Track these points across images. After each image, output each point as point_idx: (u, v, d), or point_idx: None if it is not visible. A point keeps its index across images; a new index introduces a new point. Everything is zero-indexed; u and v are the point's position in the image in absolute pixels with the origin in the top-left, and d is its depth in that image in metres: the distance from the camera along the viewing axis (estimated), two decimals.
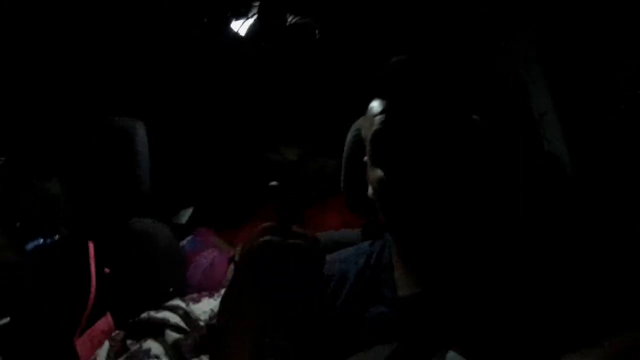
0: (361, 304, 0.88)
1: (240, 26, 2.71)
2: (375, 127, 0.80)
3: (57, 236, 1.35)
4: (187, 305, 1.36)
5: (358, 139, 1.21)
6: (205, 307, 1.38)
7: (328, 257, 0.99)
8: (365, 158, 0.87)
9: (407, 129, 0.77)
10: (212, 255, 2.47)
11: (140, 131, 1.55)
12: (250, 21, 2.69)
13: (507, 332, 0.75)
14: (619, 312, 0.70)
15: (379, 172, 0.80)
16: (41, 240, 1.32)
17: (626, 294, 0.72)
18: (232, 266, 2.45)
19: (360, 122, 1.23)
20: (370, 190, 0.86)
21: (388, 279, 0.89)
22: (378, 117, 0.80)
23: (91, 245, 1.36)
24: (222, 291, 1.53)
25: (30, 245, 1.30)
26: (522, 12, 1.77)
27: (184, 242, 2.51)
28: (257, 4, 2.57)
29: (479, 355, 0.74)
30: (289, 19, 2.71)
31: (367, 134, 0.84)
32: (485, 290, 0.79)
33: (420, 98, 0.79)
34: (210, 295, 1.47)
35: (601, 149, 1.53)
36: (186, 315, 1.31)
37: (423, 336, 0.79)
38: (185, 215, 2.80)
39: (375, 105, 0.83)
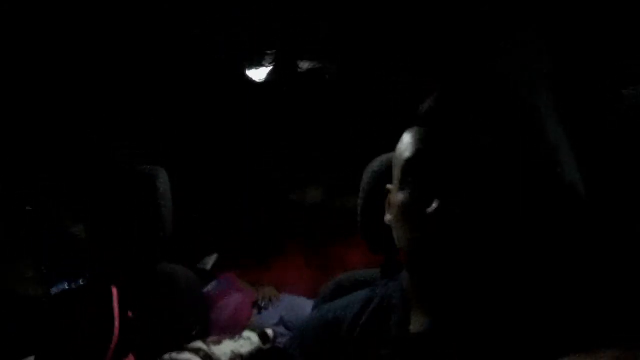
0: (371, 345, 0.89)
1: (257, 73, 2.80)
2: (408, 154, 0.84)
3: (81, 280, 1.39)
4: (209, 347, 1.37)
5: (375, 178, 1.25)
6: (226, 349, 1.39)
7: (344, 300, 1.02)
8: (389, 186, 0.91)
9: (440, 158, 0.80)
10: (237, 299, 2.50)
11: (163, 177, 1.60)
12: (265, 69, 2.78)
13: None
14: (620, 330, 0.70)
15: (402, 196, 0.83)
16: (66, 284, 1.36)
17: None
18: (255, 310, 2.47)
19: (376, 163, 1.27)
20: (387, 217, 0.90)
21: (398, 318, 0.90)
22: (413, 145, 0.83)
23: (114, 290, 1.39)
24: (244, 333, 1.55)
25: (55, 289, 1.34)
26: (522, 12, 1.77)
27: (209, 287, 2.54)
28: (270, 52, 2.65)
29: None
30: (303, 66, 2.80)
31: (398, 160, 0.87)
32: (497, 324, 0.80)
33: (456, 129, 0.81)
34: (231, 338, 1.48)
35: (613, 166, 1.51)
36: (207, 357, 1.31)
37: None
38: (210, 261, 2.84)
39: (409, 135, 0.86)
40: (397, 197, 0.85)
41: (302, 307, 2.36)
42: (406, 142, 0.86)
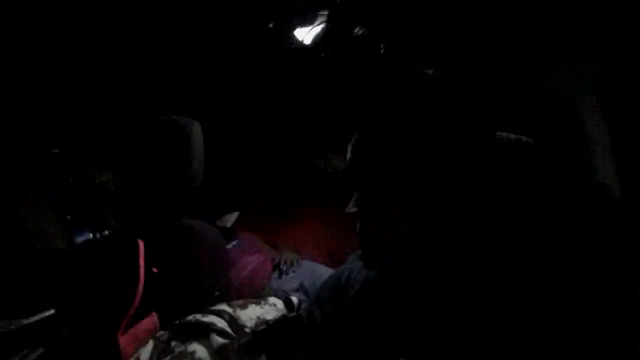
0: (361, 308, 0.94)
1: (306, 34, 2.68)
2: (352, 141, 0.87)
3: (107, 231, 1.34)
4: (234, 310, 1.33)
5: None
6: (252, 313, 1.34)
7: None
8: None
9: (365, 164, 0.85)
10: (256, 260, 2.45)
11: (196, 131, 1.54)
12: (316, 30, 2.65)
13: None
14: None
15: None
16: (90, 235, 1.31)
17: None
18: (275, 272, 2.43)
19: None
20: None
21: (387, 293, 0.94)
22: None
23: (141, 243, 1.34)
24: (269, 299, 1.50)
25: (79, 239, 1.29)
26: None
27: (229, 246, 2.50)
28: (324, 12, 2.52)
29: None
30: (356, 31, 2.67)
31: None
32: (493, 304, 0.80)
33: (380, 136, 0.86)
34: (257, 302, 1.43)
35: None
36: (232, 321, 1.27)
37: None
38: (231, 219, 2.80)
39: None
40: None
41: (322, 274, 2.31)
42: None
